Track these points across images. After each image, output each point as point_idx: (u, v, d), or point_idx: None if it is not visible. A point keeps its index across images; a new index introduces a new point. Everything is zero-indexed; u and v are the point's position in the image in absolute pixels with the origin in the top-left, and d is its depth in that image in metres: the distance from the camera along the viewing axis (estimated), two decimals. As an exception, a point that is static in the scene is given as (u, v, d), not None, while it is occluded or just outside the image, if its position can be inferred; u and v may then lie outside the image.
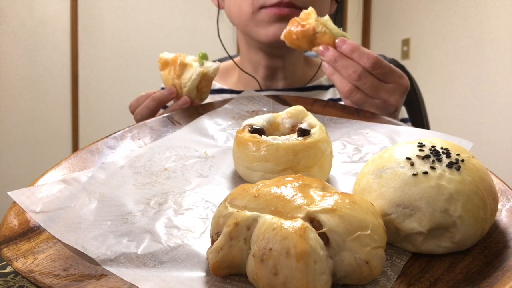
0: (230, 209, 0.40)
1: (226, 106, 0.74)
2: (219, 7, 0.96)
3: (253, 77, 0.97)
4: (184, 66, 0.75)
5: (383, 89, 0.70)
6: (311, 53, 1.06)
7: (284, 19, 0.82)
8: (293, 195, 0.40)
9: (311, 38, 0.71)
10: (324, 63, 0.72)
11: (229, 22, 0.98)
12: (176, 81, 0.75)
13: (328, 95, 0.97)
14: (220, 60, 0.85)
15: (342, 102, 0.92)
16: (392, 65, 0.71)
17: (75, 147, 2.85)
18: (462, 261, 0.41)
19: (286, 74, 0.97)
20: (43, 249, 0.43)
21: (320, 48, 0.71)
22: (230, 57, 1.02)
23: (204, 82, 0.76)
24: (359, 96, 0.70)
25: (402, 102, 0.73)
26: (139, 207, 0.50)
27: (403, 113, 0.98)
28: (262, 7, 0.83)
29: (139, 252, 0.43)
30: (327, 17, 0.72)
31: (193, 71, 0.74)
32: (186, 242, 0.44)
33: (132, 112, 0.79)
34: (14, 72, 2.67)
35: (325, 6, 0.89)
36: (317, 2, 0.85)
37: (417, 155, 0.44)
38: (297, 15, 0.74)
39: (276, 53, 0.93)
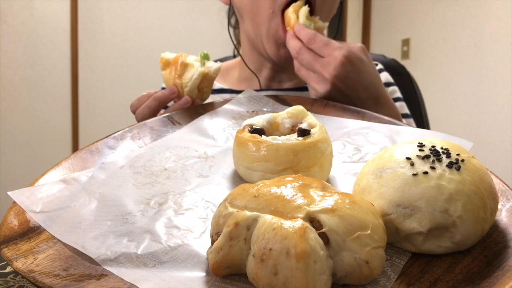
0: (230, 209, 0.40)
1: (226, 106, 0.74)
2: (230, 3, 0.95)
3: (255, 75, 0.97)
4: (185, 66, 0.75)
5: (318, 62, 0.73)
6: None
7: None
8: (293, 195, 0.40)
9: None
10: None
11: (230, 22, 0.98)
12: (177, 81, 0.75)
13: None
14: (221, 60, 0.85)
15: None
16: (329, 39, 0.74)
17: (75, 147, 2.85)
18: (462, 261, 0.41)
19: (289, 76, 0.97)
20: (43, 249, 0.43)
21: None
22: (240, 55, 1.01)
23: (205, 82, 0.76)
24: (302, 72, 0.76)
25: (343, 77, 0.73)
26: (139, 207, 0.50)
27: (404, 108, 0.97)
28: (282, 8, 0.83)
29: (139, 252, 0.43)
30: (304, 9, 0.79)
31: (194, 71, 0.74)
32: (186, 242, 0.44)
33: (133, 112, 0.80)
34: (14, 72, 2.67)
35: (335, 7, 0.91)
36: (333, 7, 0.87)
37: (417, 155, 0.44)
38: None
39: (281, 65, 0.93)
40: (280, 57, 0.87)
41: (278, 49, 0.86)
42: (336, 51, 0.72)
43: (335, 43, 0.73)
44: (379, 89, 0.77)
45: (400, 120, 0.80)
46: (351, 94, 0.74)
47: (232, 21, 1.05)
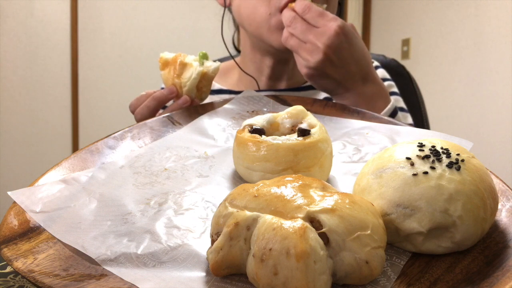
0: (230, 209, 0.40)
1: (226, 106, 0.74)
2: (225, 5, 0.95)
3: (253, 78, 0.97)
4: (184, 65, 0.75)
5: (312, 32, 0.73)
6: None
7: None
8: (293, 195, 0.40)
9: None
10: None
11: (229, 22, 0.98)
12: (176, 81, 0.75)
13: (323, 94, 0.97)
14: (221, 60, 0.85)
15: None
16: (324, 10, 0.74)
17: (75, 147, 2.85)
18: (462, 261, 0.41)
19: (290, 75, 0.97)
20: (43, 249, 0.43)
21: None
22: (232, 57, 1.02)
23: (204, 82, 0.76)
24: (292, 41, 0.75)
25: (336, 47, 0.72)
26: (139, 207, 0.50)
27: (399, 102, 0.97)
28: (280, 7, 0.83)
29: (139, 252, 0.43)
30: None
31: (193, 70, 0.74)
32: (186, 242, 0.44)
33: (132, 112, 0.80)
34: (14, 72, 2.67)
35: (334, 8, 0.90)
36: (330, 5, 0.86)
37: (417, 155, 0.44)
38: None
39: (284, 56, 0.93)
40: (282, 42, 0.87)
41: (279, 34, 0.85)
42: (331, 22, 0.72)
43: (329, 14, 0.74)
44: (369, 65, 0.78)
45: (388, 98, 0.81)
46: (342, 66, 0.74)
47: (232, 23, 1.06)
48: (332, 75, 0.74)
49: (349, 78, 0.75)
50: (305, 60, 0.74)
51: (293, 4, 0.78)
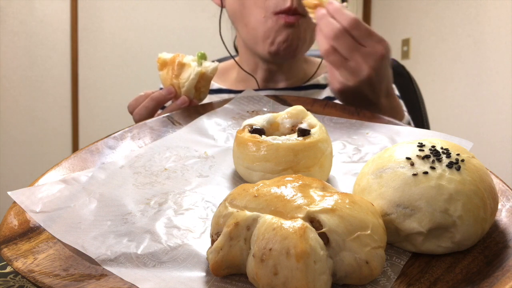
0: (230, 209, 0.40)
1: (226, 106, 0.74)
2: (222, 6, 0.96)
3: (253, 76, 0.97)
4: (182, 66, 0.75)
5: (358, 51, 0.69)
6: (312, 52, 1.06)
7: (289, 29, 0.85)
8: (293, 195, 0.40)
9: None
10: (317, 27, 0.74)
11: (229, 22, 0.98)
12: (174, 81, 0.75)
13: (324, 93, 0.97)
14: (220, 60, 0.85)
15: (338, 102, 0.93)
16: (371, 29, 0.71)
17: (75, 147, 2.85)
18: (462, 261, 0.41)
19: (285, 76, 0.98)
20: (43, 249, 0.43)
21: (316, 11, 0.74)
22: (232, 57, 1.02)
23: (202, 82, 0.76)
24: (334, 56, 0.70)
25: (379, 69, 0.71)
26: (139, 207, 0.50)
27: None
28: (275, 12, 0.84)
29: (139, 252, 0.43)
30: None
31: (191, 71, 0.74)
32: (186, 242, 0.44)
33: (131, 112, 0.80)
34: (14, 72, 2.67)
35: None
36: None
37: (417, 155, 0.44)
38: (301, 21, 0.81)
39: (276, 61, 0.94)
40: (274, 54, 0.87)
41: (272, 45, 0.86)
42: (379, 43, 0.70)
43: (377, 34, 0.70)
44: (391, 81, 0.77)
45: (403, 111, 0.81)
46: (378, 87, 0.73)
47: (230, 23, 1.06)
48: (367, 94, 0.73)
49: (378, 96, 0.74)
50: (345, 78, 0.71)
51: (309, 7, 0.74)
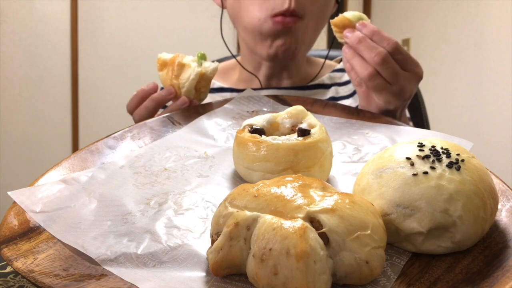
0: (230, 209, 0.40)
1: (226, 106, 0.74)
2: (223, 6, 0.96)
3: (255, 75, 0.97)
4: (182, 66, 0.75)
5: (402, 75, 0.69)
6: (313, 53, 1.06)
7: (287, 32, 0.85)
8: (293, 195, 0.40)
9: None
10: (344, 48, 0.72)
11: (230, 22, 0.98)
12: (174, 82, 0.75)
13: (329, 93, 0.97)
14: (220, 61, 0.85)
15: (343, 102, 0.93)
16: (407, 52, 0.72)
17: (75, 147, 2.84)
18: (462, 261, 0.41)
19: (289, 74, 0.98)
20: (43, 249, 0.43)
21: (345, 32, 0.71)
22: (233, 56, 1.02)
23: (202, 82, 0.76)
24: (379, 81, 0.69)
25: (415, 91, 0.74)
26: (139, 207, 0.50)
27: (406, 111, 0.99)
28: (272, 14, 0.83)
29: (139, 252, 0.43)
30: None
31: (191, 71, 0.74)
32: (186, 242, 0.44)
33: (130, 113, 0.80)
34: (14, 72, 2.67)
35: (327, 9, 0.90)
36: (316, 6, 0.86)
37: (417, 155, 0.44)
38: (299, 24, 0.81)
39: (275, 63, 0.94)
40: (273, 56, 0.87)
41: (270, 48, 0.86)
42: (418, 67, 0.72)
43: (413, 58, 0.72)
44: None
45: (407, 118, 0.82)
46: (406, 105, 0.76)
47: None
48: (401, 110, 0.75)
49: (403, 112, 0.77)
50: (386, 102, 0.71)
51: (338, 28, 0.72)
